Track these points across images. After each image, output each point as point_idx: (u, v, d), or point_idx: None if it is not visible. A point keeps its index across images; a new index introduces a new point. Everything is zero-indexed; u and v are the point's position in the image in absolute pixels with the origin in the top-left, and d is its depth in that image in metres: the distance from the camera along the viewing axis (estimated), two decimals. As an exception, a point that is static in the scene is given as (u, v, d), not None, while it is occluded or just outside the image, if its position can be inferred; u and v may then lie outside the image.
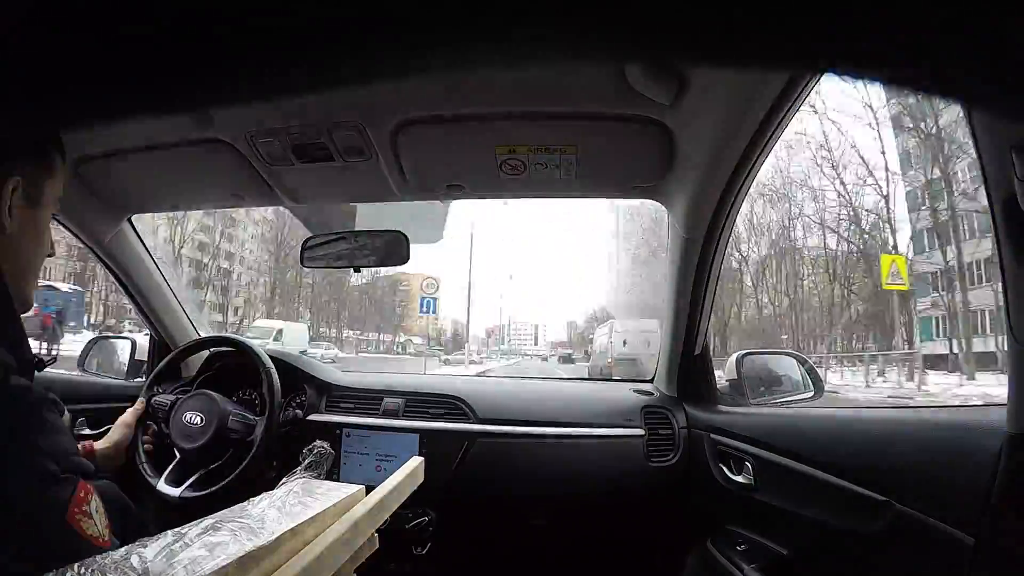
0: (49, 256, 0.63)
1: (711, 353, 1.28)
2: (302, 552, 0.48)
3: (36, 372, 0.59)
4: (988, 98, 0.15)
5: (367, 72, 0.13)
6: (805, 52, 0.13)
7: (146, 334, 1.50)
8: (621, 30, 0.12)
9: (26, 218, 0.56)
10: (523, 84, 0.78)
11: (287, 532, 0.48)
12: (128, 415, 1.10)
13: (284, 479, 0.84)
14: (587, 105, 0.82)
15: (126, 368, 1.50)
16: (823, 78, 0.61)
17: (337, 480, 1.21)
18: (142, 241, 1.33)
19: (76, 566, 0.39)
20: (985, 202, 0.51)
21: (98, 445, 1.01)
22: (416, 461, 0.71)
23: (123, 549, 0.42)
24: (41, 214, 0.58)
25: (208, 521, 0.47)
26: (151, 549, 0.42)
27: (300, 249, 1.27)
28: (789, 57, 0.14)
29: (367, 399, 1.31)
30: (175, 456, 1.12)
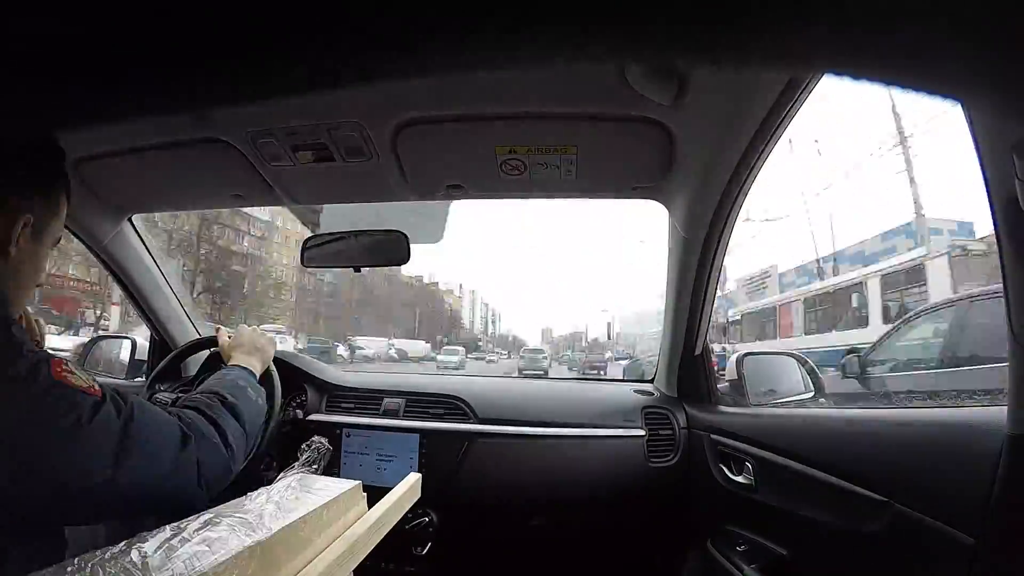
0: (39, 286, 0.68)
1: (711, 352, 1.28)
2: (303, 571, 0.48)
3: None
4: (988, 98, 0.15)
5: (367, 72, 0.13)
6: (805, 52, 0.13)
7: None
8: (621, 30, 0.12)
9: (29, 250, 0.62)
10: (523, 84, 0.78)
11: (285, 527, 0.48)
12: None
13: (282, 474, 0.84)
14: (587, 105, 0.82)
15: (126, 368, 1.50)
16: (823, 78, 0.60)
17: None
18: (143, 241, 1.33)
19: (76, 560, 0.40)
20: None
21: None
22: (414, 477, 0.72)
23: (122, 543, 0.42)
24: (42, 249, 0.65)
25: (206, 516, 0.48)
26: (150, 544, 0.42)
27: (300, 249, 1.27)
28: (789, 57, 0.14)
29: (367, 399, 1.31)
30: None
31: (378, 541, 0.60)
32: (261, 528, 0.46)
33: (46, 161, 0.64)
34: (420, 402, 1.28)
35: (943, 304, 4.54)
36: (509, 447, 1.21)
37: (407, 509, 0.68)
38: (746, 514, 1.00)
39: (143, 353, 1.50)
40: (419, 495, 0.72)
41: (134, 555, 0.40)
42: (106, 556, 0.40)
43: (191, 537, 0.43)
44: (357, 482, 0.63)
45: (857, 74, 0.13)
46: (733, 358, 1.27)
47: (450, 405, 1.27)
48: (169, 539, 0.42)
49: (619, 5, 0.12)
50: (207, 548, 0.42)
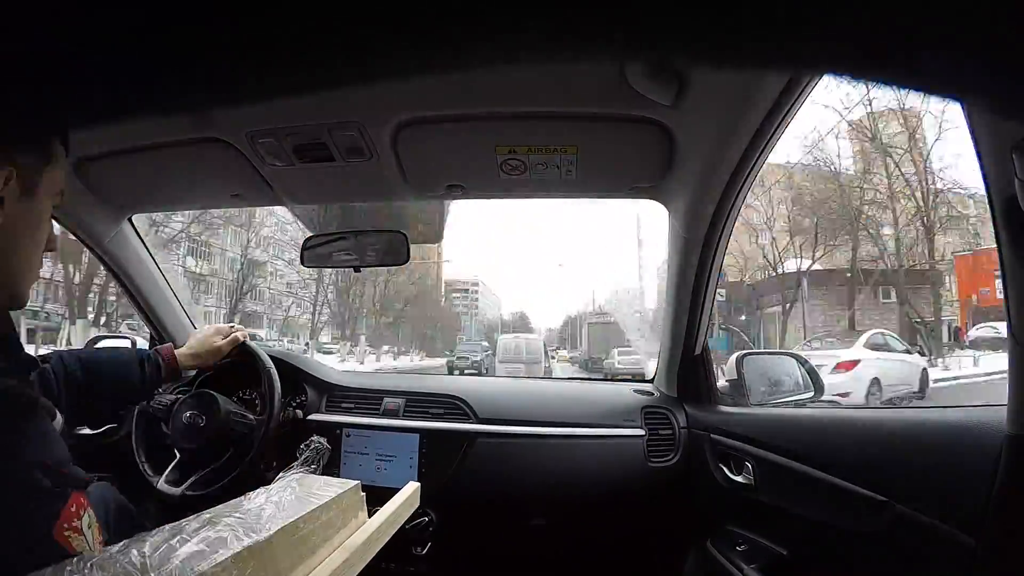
0: (49, 251, 0.60)
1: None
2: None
3: (30, 373, 0.57)
4: (988, 98, 0.15)
5: (367, 72, 0.13)
6: (805, 52, 0.13)
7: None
8: (621, 30, 0.12)
9: (20, 209, 0.52)
10: (523, 84, 0.78)
11: (284, 528, 0.48)
12: (221, 327, 1.19)
13: (281, 474, 0.84)
14: (587, 105, 0.82)
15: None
16: (823, 78, 0.61)
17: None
18: (143, 241, 1.33)
19: (75, 560, 0.40)
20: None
21: (180, 351, 1.11)
22: (412, 487, 0.71)
23: (121, 544, 0.42)
24: (38, 206, 0.55)
25: (205, 516, 0.48)
26: (149, 544, 0.42)
27: (300, 248, 1.27)
28: (789, 57, 0.14)
29: (367, 399, 1.31)
30: (175, 456, 1.12)
31: (377, 551, 0.59)
32: (260, 528, 0.46)
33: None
34: (420, 402, 1.28)
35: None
36: (509, 447, 1.21)
37: (406, 518, 0.68)
38: (746, 514, 1.00)
39: (143, 353, 1.50)
40: (418, 504, 0.72)
41: (133, 555, 0.40)
42: (105, 556, 0.40)
43: (190, 537, 0.43)
44: (356, 482, 0.63)
45: (857, 74, 0.13)
46: (733, 358, 1.27)
47: (450, 405, 1.27)
48: (168, 539, 0.42)
49: (619, 5, 0.12)
50: (206, 548, 0.42)
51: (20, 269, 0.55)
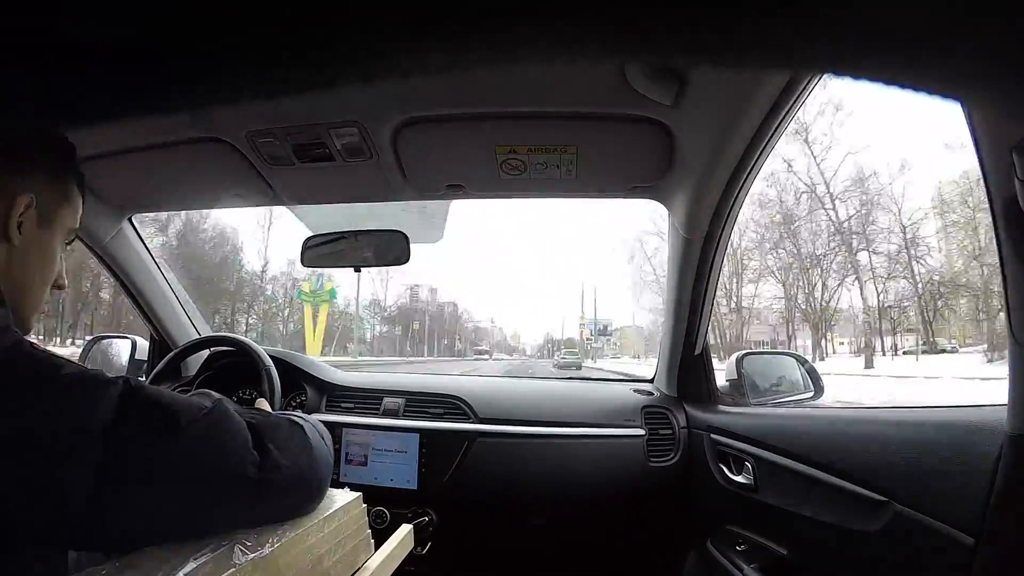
0: (58, 288, 0.62)
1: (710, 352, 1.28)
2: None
3: None
4: (988, 98, 0.15)
5: (367, 72, 0.13)
6: (805, 52, 0.13)
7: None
8: (621, 30, 0.12)
9: (35, 237, 0.55)
10: (523, 84, 0.78)
11: (288, 540, 0.48)
12: None
13: None
14: (587, 105, 0.82)
15: (126, 368, 1.50)
16: (823, 78, 0.61)
17: (337, 480, 1.21)
18: (142, 241, 1.34)
19: None
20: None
21: None
22: (405, 529, 0.72)
23: (120, 561, 0.41)
24: (51, 238, 0.58)
25: None
26: (153, 559, 0.41)
27: (300, 248, 1.26)
28: (789, 57, 0.14)
29: (367, 399, 1.31)
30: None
31: None
32: (264, 541, 0.46)
33: (50, 143, 0.57)
34: (420, 402, 1.28)
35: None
36: (509, 447, 1.21)
37: (401, 559, 0.68)
38: (746, 514, 1.00)
39: (143, 353, 1.50)
40: (412, 545, 0.72)
41: (134, 571, 0.40)
42: (111, 571, 0.40)
43: (194, 551, 0.42)
44: (358, 494, 0.63)
45: (857, 74, 0.13)
46: (733, 357, 1.27)
47: (450, 405, 1.27)
48: (171, 556, 0.42)
49: (619, 5, 0.12)
50: (211, 562, 0.42)
51: (28, 297, 0.56)
